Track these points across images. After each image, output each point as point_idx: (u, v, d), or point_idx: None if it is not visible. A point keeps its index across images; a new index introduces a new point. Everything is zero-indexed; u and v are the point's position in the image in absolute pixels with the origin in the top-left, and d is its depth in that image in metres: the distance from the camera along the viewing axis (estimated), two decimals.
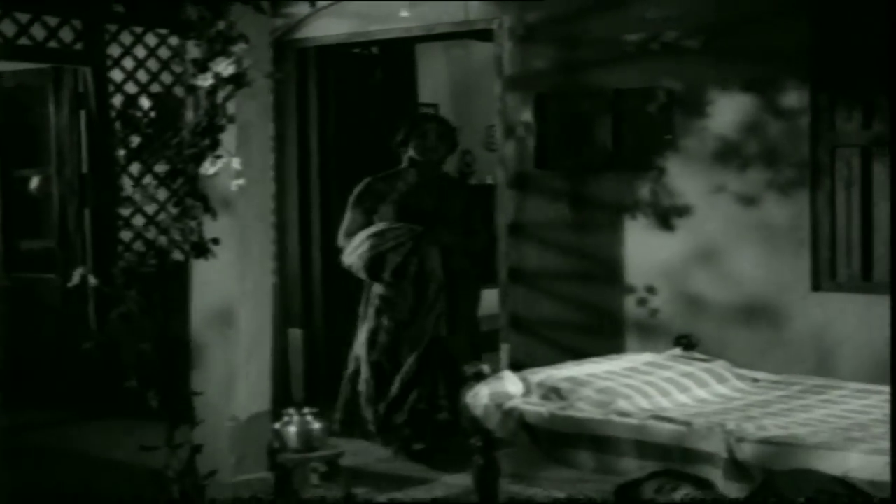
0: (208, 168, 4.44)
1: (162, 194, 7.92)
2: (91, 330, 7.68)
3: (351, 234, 6.40)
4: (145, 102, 7.91)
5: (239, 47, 4.42)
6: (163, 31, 7.80)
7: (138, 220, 7.87)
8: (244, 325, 4.87)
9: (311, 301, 7.90)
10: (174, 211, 4.82)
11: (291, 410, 5.05)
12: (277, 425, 5.03)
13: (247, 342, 4.85)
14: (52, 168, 7.80)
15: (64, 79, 7.71)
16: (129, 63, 7.77)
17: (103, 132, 7.71)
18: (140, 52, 7.82)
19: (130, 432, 7.09)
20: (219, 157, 4.47)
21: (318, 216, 7.84)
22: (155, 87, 7.90)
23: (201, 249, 4.59)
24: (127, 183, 7.84)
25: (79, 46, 7.60)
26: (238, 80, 4.37)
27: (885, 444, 3.50)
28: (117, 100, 7.76)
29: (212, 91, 4.46)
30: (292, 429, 5.01)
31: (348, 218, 6.48)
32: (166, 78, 7.91)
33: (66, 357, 7.68)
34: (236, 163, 4.49)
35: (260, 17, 4.60)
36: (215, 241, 4.58)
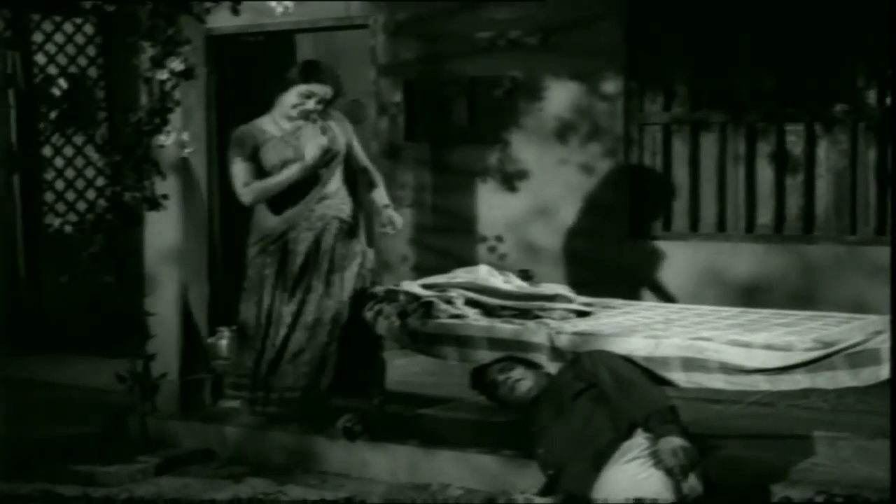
0: (163, 141, 5.69)
1: (79, 162, 9.13)
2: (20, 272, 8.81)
3: (249, 185, 5.65)
4: (63, 82, 9.15)
5: (185, 48, 5.71)
6: (78, 21, 8.94)
7: (59, 185, 9.07)
8: (187, 261, 6.02)
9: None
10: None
11: (223, 328, 6.39)
12: (211, 339, 6.36)
13: (189, 274, 6.04)
14: None
15: None
16: (51, 48, 8.91)
17: (29, 108, 8.83)
18: (59, 38, 8.97)
19: (60, 364, 8.24)
20: (169, 132, 5.73)
21: (216, 181, 8.99)
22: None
23: (154, 203, 5.85)
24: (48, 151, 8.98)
25: (8, 34, 8.71)
26: (187, 74, 5.65)
27: (659, 333, 4.98)
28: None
29: (163, 82, 5.74)
30: (223, 342, 6.36)
31: (240, 169, 5.67)
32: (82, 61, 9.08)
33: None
34: (185, 136, 5.77)
35: (199, 24, 5.88)
36: (165, 196, 5.84)
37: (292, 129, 5.74)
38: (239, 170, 5.71)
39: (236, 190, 5.72)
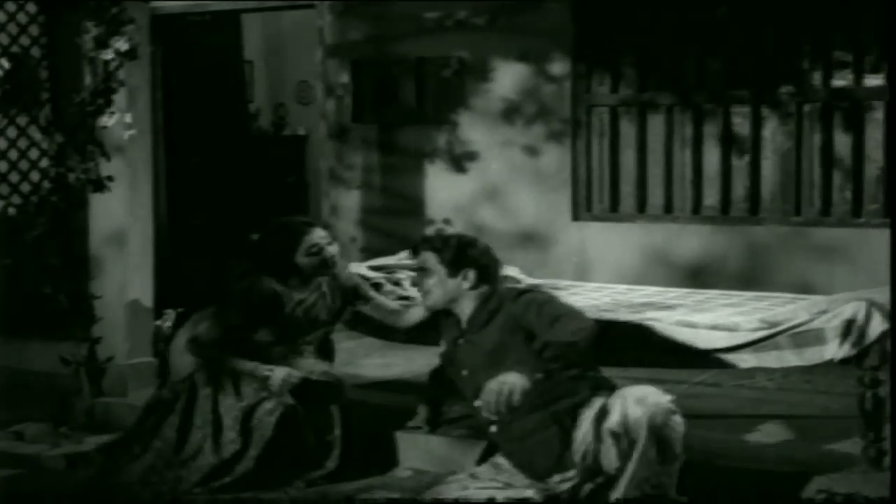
0: (107, 121, 5.64)
1: (23, 143, 9.01)
2: None
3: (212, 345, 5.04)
4: (5, 62, 9.02)
5: (129, 28, 5.65)
6: None
7: (2, 166, 8.95)
8: (133, 243, 5.96)
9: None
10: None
11: (169, 310, 6.32)
12: (158, 322, 6.30)
13: (135, 256, 5.97)
14: None
15: None
16: None
17: None
18: (1, 17, 8.83)
19: (4, 347, 8.08)
20: (113, 113, 5.68)
21: (163, 161, 8.92)
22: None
23: (99, 185, 5.81)
24: None
25: None
26: (131, 54, 5.61)
27: (607, 314, 5.00)
28: None
29: (107, 62, 5.69)
30: (168, 324, 6.29)
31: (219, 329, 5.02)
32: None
33: None
34: (128, 117, 5.70)
35: (143, 4, 5.83)
36: (110, 178, 5.79)
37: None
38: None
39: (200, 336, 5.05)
